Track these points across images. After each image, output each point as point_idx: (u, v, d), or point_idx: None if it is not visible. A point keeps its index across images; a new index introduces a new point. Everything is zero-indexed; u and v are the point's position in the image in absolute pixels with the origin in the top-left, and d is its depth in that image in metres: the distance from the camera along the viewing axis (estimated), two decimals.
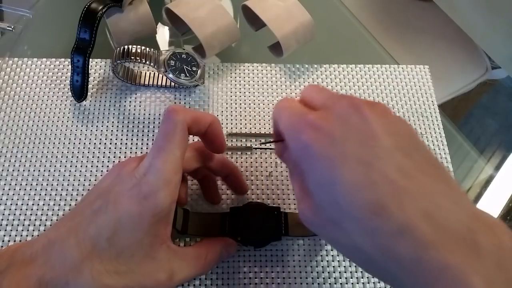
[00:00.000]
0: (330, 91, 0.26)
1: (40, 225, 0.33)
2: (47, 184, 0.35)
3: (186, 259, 0.28)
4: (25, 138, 0.37)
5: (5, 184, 0.35)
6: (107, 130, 0.38)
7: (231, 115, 0.39)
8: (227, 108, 0.40)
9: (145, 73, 0.40)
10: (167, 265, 0.26)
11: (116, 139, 0.37)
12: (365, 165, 0.21)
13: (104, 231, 0.24)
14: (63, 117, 0.38)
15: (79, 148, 0.37)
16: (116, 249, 0.24)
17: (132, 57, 0.34)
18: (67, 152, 0.36)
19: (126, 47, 0.34)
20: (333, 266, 0.33)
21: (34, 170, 0.35)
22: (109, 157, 0.36)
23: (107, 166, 0.36)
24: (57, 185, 0.35)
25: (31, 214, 0.34)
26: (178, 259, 0.27)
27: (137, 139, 0.37)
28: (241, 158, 0.37)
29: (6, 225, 0.33)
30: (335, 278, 0.33)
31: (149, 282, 0.25)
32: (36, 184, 0.35)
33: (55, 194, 0.35)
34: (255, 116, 0.39)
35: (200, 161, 0.30)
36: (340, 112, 0.23)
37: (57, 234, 0.26)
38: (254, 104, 0.40)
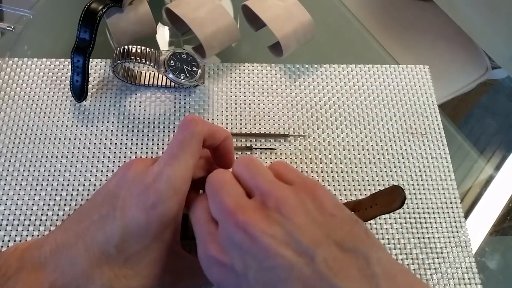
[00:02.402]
0: (215, 196, 0.24)
1: (40, 225, 0.33)
2: (47, 184, 0.35)
3: (195, 267, 0.28)
4: (25, 138, 0.37)
5: (5, 184, 0.35)
6: (107, 130, 0.38)
7: (231, 115, 0.39)
8: (227, 108, 0.40)
9: (145, 73, 0.40)
10: (173, 269, 0.26)
11: (116, 139, 0.37)
12: None
13: (112, 238, 0.24)
14: (63, 117, 0.38)
15: (79, 148, 0.37)
16: (124, 255, 0.25)
17: (132, 57, 0.34)
18: (67, 152, 0.36)
19: (126, 47, 0.34)
20: None
21: (34, 170, 0.35)
22: (109, 157, 0.36)
23: (107, 166, 0.36)
24: (57, 185, 0.35)
25: (31, 214, 0.34)
26: (185, 265, 0.27)
27: (137, 139, 0.37)
28: None
29: (6, 225, 0.33)
30: None
31: (155, 285, 0.25)
32: (36, 184, 0.35)
33: (55, 194, 0.35)
34: (255, 116, 0.39)
35: (207, 170, 0.30)
36: (231, 239, 0.22)
37: (64, 237, 0.26)
38: (254, 104, 0.40)
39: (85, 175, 0.35)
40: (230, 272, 0.22)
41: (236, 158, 0.27)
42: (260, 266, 0.21)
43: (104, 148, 0.37)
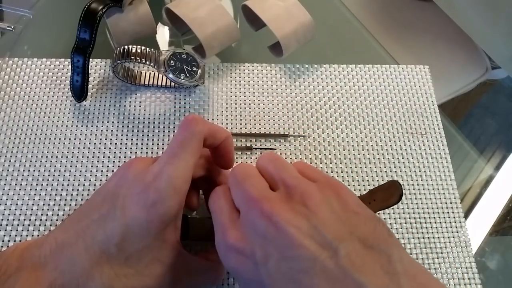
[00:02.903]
0: (240, 186, 0.24)
1: (40, 225, 0.33)
2: (47, 184, 0.35)
3: (196, 267, 0.28)
4: (25, 138, 0.37)
5: (5, 184, 0.35)
6: (107, 130, 0.38)
7: (231, 115, 0.39)
8: (227, 108, 0.40)
9: (145, 73, 0.40)
10: (174, 268, 0.26)
11: (116, 139, 0.37)
12: (295, 284, 0.20)
13: (113, 237, 0.24)
14: (63, 117, 0.38)
15: (79, 148, 0.37)
16: (125, 254, 0.25)
17: (132, 57, 0.34)
18: (67, 152, 0.36)
19: (126, 47, 0.34)
20: None
21: (34, 170, 0.35)
22: (109, 157, 0.36)
23: (107, 166, 0.36)
24: (57, 185, 0.35)
25: (31, 214, 0.34)
26: (187, 265, 0.27)
27: (137, 139, 0.37)
28: (241, 158, 0.37)
29: (6, 225, 0.33)
30: None
31: (155, 284, 0.25)
32: (36, 184, 0.35)
33: (55, 194, 0.35)
34: (255, 116, 0.39)
35: (206, 169, 0.30)
36: (254, 227, 0.22)
37: (64, 236, 0.26)
38: (254, 104, 0.40)
39: (85, 175, 0.35)
40: (249, 259, 0.22)
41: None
42: (282, 255, 0.21)
43: (104, 148, 0.37)
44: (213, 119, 0.39)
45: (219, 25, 0.38)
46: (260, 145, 0.38)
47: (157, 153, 0.37)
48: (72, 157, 0.36)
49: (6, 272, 0.24)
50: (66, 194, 0.35)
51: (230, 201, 0.25)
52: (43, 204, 0.34)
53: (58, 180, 0.35)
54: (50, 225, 0.33)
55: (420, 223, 0.36)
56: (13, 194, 0.34)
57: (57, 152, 0.36)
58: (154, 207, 0.25)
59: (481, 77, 0.65)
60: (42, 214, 0.34)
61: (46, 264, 0.25)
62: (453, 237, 0.36)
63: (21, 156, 0.36)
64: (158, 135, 0.38)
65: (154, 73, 0.40)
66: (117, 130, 0.38)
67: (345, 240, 0.21)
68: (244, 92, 0.41)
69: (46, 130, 0.37)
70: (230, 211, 0.25)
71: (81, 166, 0.36)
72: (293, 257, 0.21)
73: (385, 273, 0.20)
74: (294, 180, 0.24)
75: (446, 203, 0.37)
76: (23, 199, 0.34)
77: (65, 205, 0.34)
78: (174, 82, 0.37)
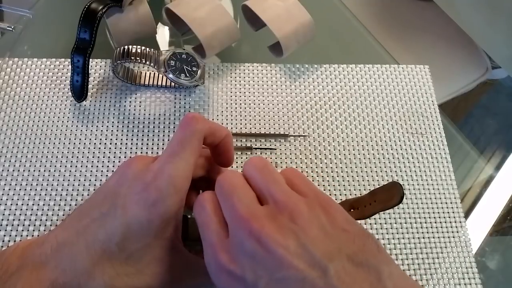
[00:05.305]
0: (228, 201, 0.24)
1: (40, 225, 0.33)
2: (47, 184, 0.35)
3: (196, 266, 0.28)
4: (25, 138, 0.37)
5: (5, 184, 0.35)
6: (107, 130, 0.38)
7: (231, 115, 0.39)
8: (227, 108, 0.40)
9: (145, 73, 0.40)
10: (175, 268, 0.26)
11: (116, 139, 0.37)
12: None
13: (113, 236, 0.24)
14: (63, 117, 0.38)
15: (79, 148, 0.37)
16: (126, 253, 0.25)
17: (132, 57, 0.34)
18: (67, 152, 0.36)
19: (126, 47, 0.34)
20: None
21: (34, 170, 0.35)
22: (109, 157, 0.36)
23: (107, 166, 0.36)
24: (57, 185, 0.35)
25: (31, 214, 0.34)
26: (188, 265, 0.27)
27: (137, 139, 0.37)
28: (241, 158, 0.37)
29: (6, 225, 0.33)
30: None
31: (156, 283, 0.25)
32: (36, 184, 0.35)
33: (55, 194, 0.35)
34: (255, 116, 0.39)
35: (206, 170, 0.30)
36: (243, 247, 0.22)
37: (65, 235, 0.26)
38: (254, 104, 0.40)
39: (85, 175, 0.35)
40: (240, 281, 0.22)
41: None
42: (272, 277, 0.21)
43: (104, 148, 0.37)
44: (213, 119, 0.39)
45: (219, 25, 0.38)
46: (260, 145, 0.38)
47: (157, 153, 0.37)
48: (72, 157, 0.36)
49: (8, 271, 0.24)
50: (66, 194, 0.35)
51: (216, 214, 0.24)
52: (43, 204, 0.34)
53: (58, 180, 0.35)
54: (50, 225, 0.33)
55: (420, 223, 0.36)
56: (13, 194, 0.34)
57: (57, 152, 0.36)
58: (155, 206, 0.24)
59: (481, 77, 0.65)
60: (42, 214, 0.34)
61: (47, 263, 0.25)
62: (453, 237, 0.36)
63: (21, 156, 0.36)
64: (158, 135, 0.38)
65: (154, 73, 0.40)
66: (117, 130, 0.38)
67: (334, 258, 0.21)
68: (244, 92, 0.41)
69: (46, 130, 0.37)
70: (217, 226, 0.24)
71: (81, 166, 0.36)
72: (282, 278, 0.20)
73: None
74: (283, 195, 0.23)
75: (446, 203, 0.37)
76: (23, 199, 0.34)
77: (65, 205, 0.34)
78: (174, 82, 0.37)
